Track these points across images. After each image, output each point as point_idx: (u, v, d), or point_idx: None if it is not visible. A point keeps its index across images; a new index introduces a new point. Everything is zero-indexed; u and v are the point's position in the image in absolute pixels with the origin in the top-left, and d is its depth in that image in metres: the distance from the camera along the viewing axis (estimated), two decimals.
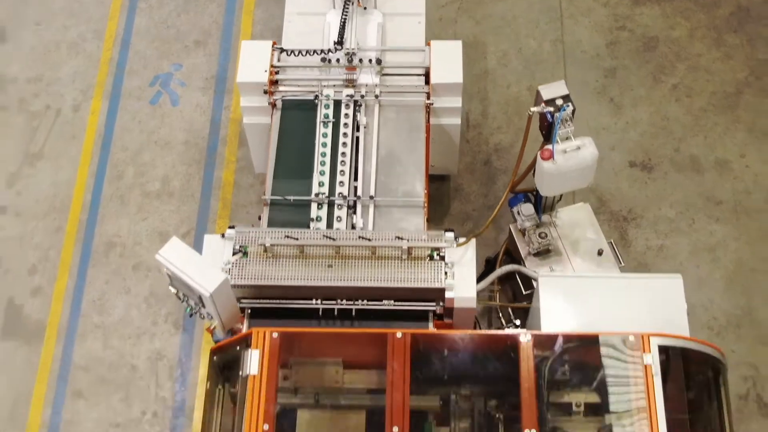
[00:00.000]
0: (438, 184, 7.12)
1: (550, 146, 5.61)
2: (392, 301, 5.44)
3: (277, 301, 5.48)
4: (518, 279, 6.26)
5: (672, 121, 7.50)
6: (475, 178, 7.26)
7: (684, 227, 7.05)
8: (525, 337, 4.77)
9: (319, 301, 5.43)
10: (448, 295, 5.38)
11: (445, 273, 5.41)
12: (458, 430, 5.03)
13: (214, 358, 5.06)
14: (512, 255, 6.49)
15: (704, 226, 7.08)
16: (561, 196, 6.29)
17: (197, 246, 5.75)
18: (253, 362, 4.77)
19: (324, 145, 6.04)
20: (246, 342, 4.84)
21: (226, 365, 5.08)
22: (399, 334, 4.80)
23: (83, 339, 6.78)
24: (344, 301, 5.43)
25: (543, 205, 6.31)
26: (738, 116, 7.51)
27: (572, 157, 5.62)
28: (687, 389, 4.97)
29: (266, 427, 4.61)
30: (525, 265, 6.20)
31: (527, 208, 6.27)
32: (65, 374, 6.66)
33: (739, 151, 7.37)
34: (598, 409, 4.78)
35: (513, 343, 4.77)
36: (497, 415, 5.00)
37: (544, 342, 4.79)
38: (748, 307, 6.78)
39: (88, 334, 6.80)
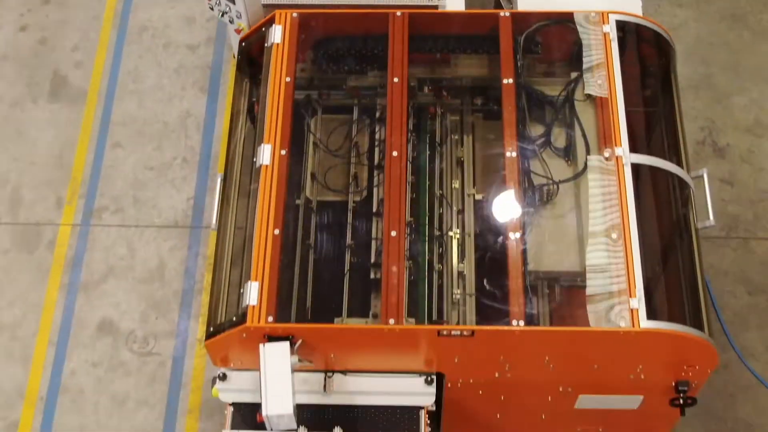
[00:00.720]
0: None
1: None
2: None
3: None
4: None
5: None
6: None
7: (650, 11, 7.96)
8: (505, 13, 5.69)
9: None
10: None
11: None
12: (448, 124, 5.93)
13: (242, 44, 5.95)
14: None
15: (668, 11, 8.02)
16: None
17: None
18: (276, 34, 5.67)
19: None
20: (270, 22, 5.75)
21: (251, 57, 5.96)
22: (399, 13, 5.71)
23: (120, 101, 7.71)
24: None
25: None
26: None
27: None
28: (641, 72, 5.88)
29: (288, 79, 5.52)
30: None
31: None
32: (105, 129, 7.59)
33: None
34: (567, 73, 5.71)
35: (495, 19, 5.68)
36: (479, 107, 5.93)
37: (520, 19, 5.69)
38: (705, 73, 7.71)
39: (124, 97, 7.72)
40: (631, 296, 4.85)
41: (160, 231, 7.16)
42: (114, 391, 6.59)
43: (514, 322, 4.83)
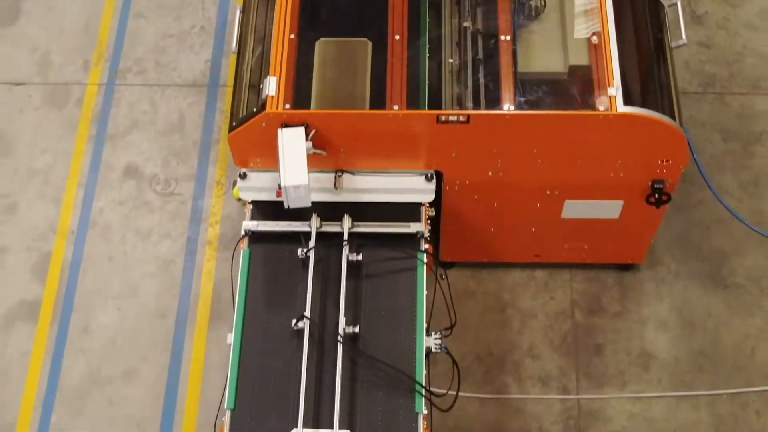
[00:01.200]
0: None
1: None
2: None
3: None
4: None
5: None
6: None
7: None
8: None
9: None
10: None
11: None
12: None
13: None
14: None
15: None
16: None
17: None
18: None
19: None
20: None
21: None
22: None
23: None
24: None
25: None
26: None
27: None
28: None
29: None
30: None
31: None
32: (128, 1, 8.17)
33: None
34: None
35: None
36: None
37: None
38: None
39: None
40: (609, 86, 5.43)
41: (180, 89, 7.73)
42: (139, 226, 7.16)
43: (506, 107, 5.41)
